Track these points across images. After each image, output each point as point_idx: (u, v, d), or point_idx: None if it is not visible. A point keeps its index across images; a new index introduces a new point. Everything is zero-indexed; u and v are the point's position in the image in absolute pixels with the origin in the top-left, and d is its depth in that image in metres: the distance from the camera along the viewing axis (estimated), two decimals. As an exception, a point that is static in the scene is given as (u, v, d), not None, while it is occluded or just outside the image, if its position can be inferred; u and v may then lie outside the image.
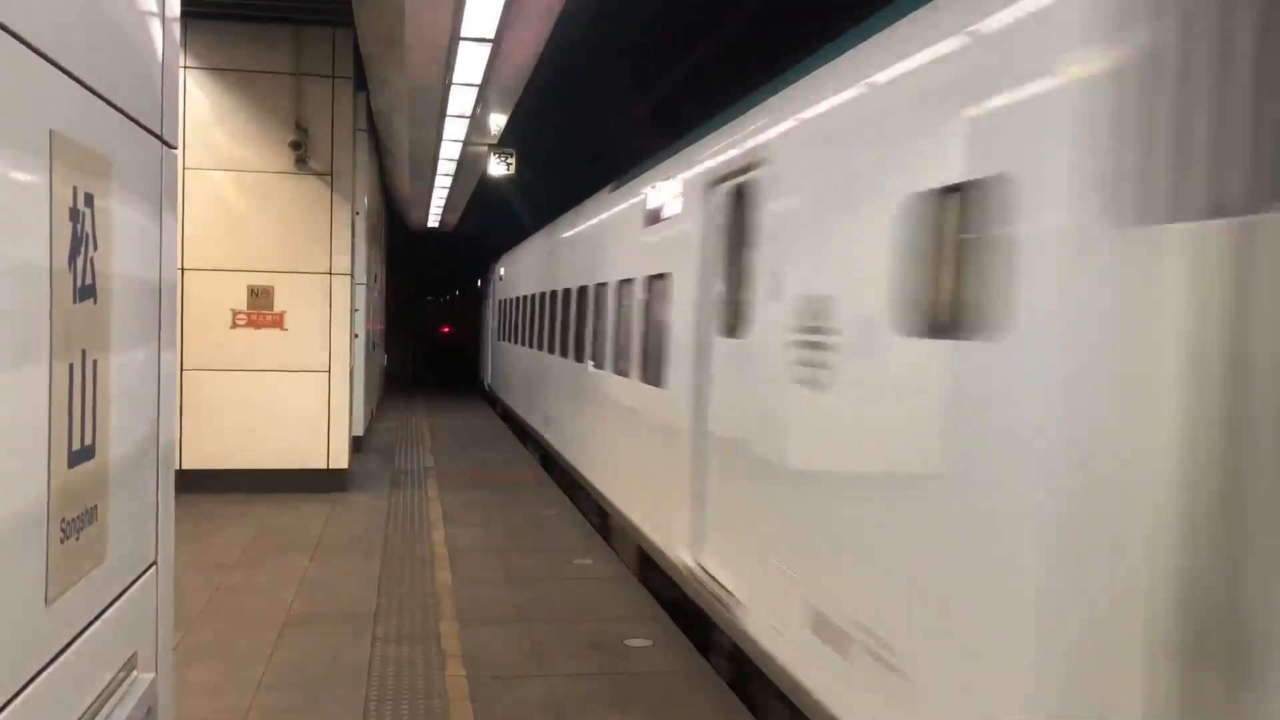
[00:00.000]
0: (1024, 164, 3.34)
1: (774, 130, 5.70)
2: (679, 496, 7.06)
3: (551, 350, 13.95)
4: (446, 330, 44.91)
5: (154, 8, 2.16)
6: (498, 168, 17.37)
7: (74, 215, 1.65)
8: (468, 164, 18.06)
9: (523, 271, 18.31)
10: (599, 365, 10.47)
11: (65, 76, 1.63)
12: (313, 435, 11.64)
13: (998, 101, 3.57)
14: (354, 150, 12.11)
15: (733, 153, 6.39)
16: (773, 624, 5.33)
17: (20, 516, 1.49)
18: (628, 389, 9.07)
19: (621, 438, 9.39)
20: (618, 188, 10.49)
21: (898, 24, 4.43)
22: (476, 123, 14.31)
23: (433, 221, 28.68)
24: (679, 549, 7.09)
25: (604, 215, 10.98)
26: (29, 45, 1.47)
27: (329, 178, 11.56)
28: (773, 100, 5.89)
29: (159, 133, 2.18)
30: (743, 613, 5.73)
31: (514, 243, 21.31)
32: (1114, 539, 2.93)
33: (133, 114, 1.98)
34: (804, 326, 4.96)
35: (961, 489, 3.62)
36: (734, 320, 6.17)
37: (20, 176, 1.48)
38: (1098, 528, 2.98)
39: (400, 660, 6.37)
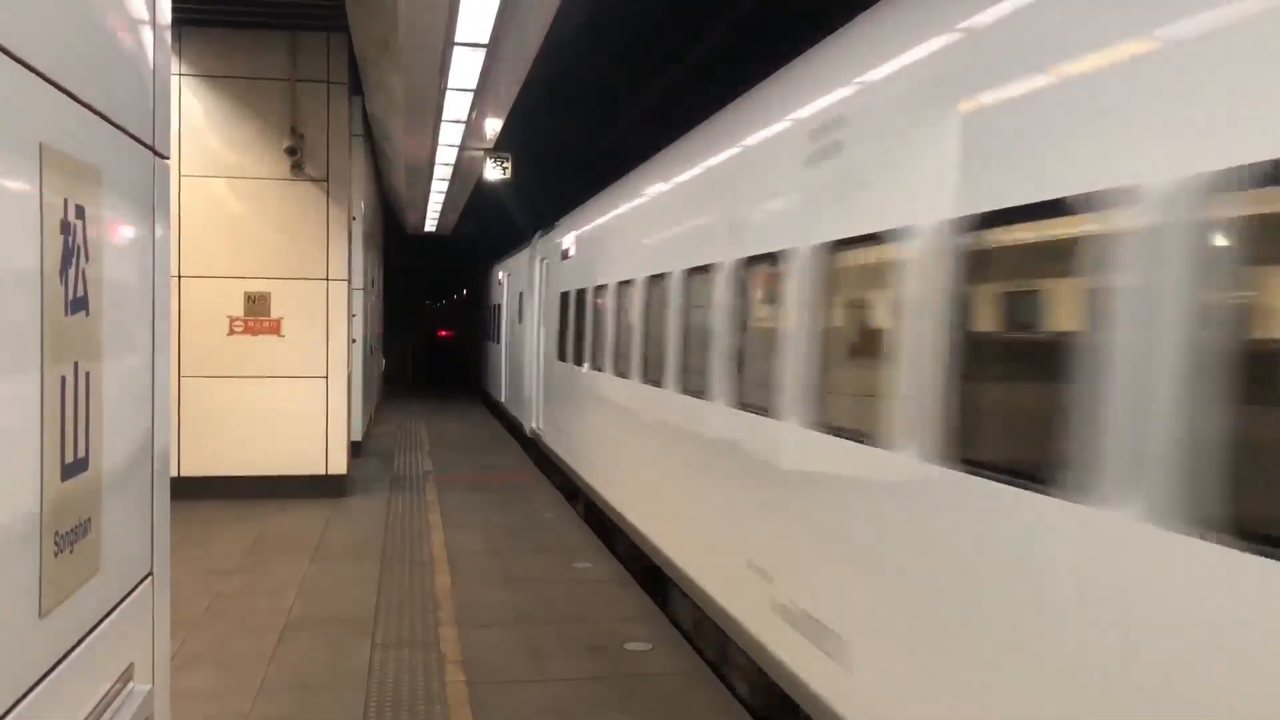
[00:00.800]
0: (531, 291, 16.43)
1: (508, 265, 21.00)
2: (501, 375, 21.11)
3: (490, 340, 26.29)
4: (444, 334, 44.83)
5: (144, 17, 2.16)
6: (494, 172, 17.38)
7: (65, 227, 1.65)
8: (464, 168, 18.07)
9: (477, 296, 33.55)
10: (495, 341, 23.30)
11: (55, 89, 1.63)
12: (311, 441, 11.64)
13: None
14: (350, 155, 12.10)
15: (510, 266, 20.44)
16: (502, 397, 21.46)
17: (12, 530, 1.49)
18: (497, 349, 22.39)
19: (493, 363, 23.38)
20: (497, 262, 23.59)
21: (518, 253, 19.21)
22: (472, 127, 14.31)
23: (430, 225, 28.65)
24: (496, 395, 22.43)
25: (492, 275, 24.84)
26: (17, 59, 1.47)
27: (325, 183, 11.56)
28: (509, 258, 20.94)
29: (150, 143, 2.18)
30: (505, 400, 20.54)
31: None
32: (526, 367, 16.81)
33: (124, 125, 1.98)
34: (511, 319, 19.47)
35: (530, 356, 16.28)
36: (516, 320, 18.29)
37: (11, 189, 1.48)
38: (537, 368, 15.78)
39: (400, 665, 6.37)
